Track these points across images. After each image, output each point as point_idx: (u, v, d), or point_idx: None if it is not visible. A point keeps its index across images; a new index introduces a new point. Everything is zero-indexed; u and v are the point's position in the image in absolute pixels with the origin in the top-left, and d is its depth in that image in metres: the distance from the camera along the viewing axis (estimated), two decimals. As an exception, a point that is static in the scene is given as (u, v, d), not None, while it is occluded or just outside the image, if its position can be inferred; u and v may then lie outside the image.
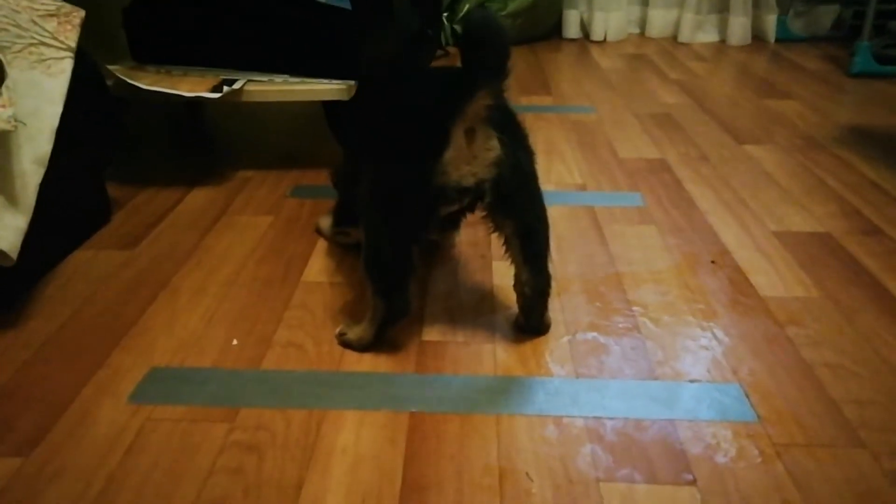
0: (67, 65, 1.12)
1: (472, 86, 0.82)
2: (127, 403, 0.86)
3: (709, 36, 2.90)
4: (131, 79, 1.40)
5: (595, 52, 2.73)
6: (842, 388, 0.89)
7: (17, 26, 1.08)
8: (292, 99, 1.47)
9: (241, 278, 1.14)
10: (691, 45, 2.85)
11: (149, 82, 1.41)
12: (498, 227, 0.94)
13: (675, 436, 0.82)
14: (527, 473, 0.76)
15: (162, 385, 0.90)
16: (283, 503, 0.73)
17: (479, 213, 0.94)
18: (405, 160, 0.89)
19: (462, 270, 1.17)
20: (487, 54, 0.81)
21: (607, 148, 1.70)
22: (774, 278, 1.14)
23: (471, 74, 0.82)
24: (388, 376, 0.92)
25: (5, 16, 1.07)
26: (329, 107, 1.57)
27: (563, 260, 1.19)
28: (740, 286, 1.12)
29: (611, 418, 0.84)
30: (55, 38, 1.12)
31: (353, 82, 1.46)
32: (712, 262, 1.19)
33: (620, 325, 1.02)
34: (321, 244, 1.24)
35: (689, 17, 2.85)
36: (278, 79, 1.48)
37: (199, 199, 1.42)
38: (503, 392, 0.89)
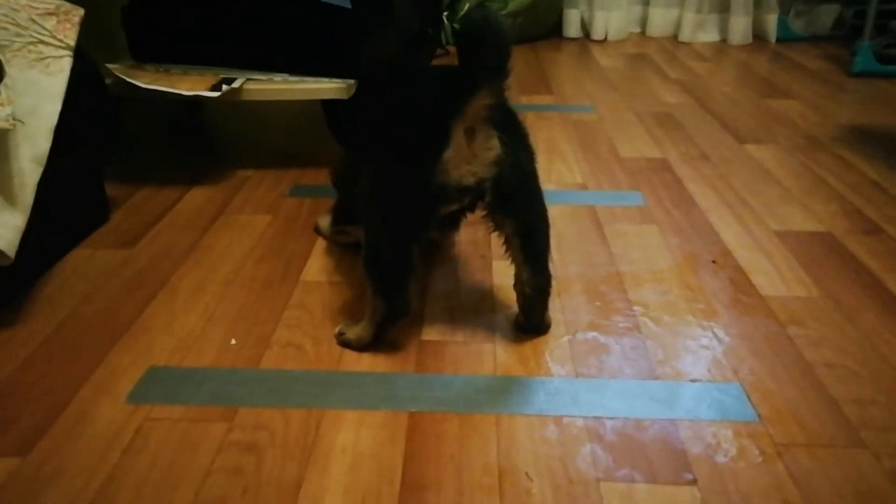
0: (66, 63, 1.12)
1: (472, 85, 0.82)
2: (125, 403, 0.86)
3: (710, 35, 2.89)
4: (130, 77, 1.39)
5: (596, 51, 2.73)
6: (842, 387, 0.89)
7: (16, 24, 1.08)
8: (291, 98, 1.47)
9: (239, 278, 1.13)
10: (692, 44, 2.85)
11: (148, 81, 1.40)
12: (498, 227, 0.93)
13: (675, 435, 0.81)
14: (526, 473, 0.76)
15: (160, 384, 0.89)
16: (282, 503, 0.72)
17: (479, 213, 0.94)
18: (405, 160, 0.88)
19: (462, 270, 1.17)
20: (487, 53, 0.81)
21: (608, 147, 1.69)
22: (775, 278, 1.13)
23: (471, 73, 0.82)
24: (388, 376, 0.91)
25: (4, 14, 1.07)
26: (328, 106, 1.57)
27: (564, 259, 1.19)
28: (741, 286, 1.11)
29: (611, 418, 0.84)
30: (54, 37, 1.12)
31: (352, 81, 1.45)
32: (713, 261, 1.18)
33: (621, 325, 1.02)
34: (320, 243, 1.24)
35: (689, 17, 2.84)
36: (277, 78, 1.47)
37: (197, 198, 1.42)
38: (503, 392, 0.89)
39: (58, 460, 0.78)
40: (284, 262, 1.18)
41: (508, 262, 0.96)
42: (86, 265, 1.17)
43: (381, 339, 0.96)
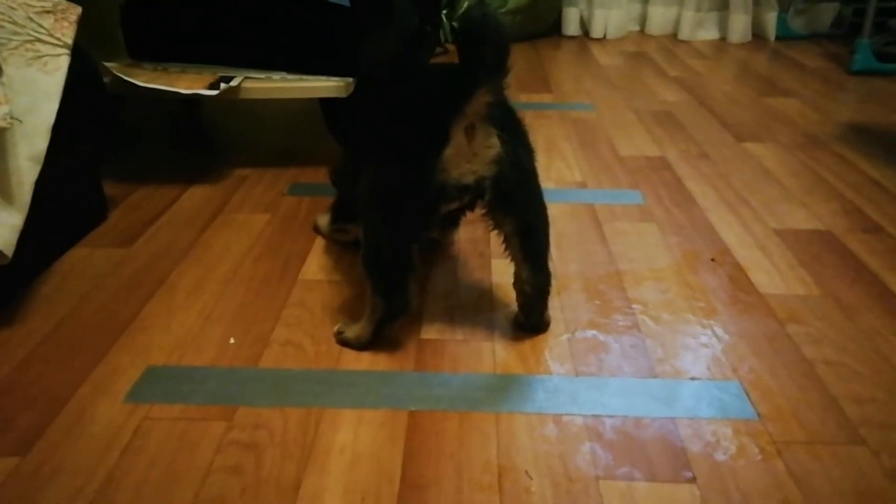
0: (64, 62, 1.12)
1: (471, 83, 0.82)
2: (124, 402, 0.86)
3: (709, 33, 2.89)
4: (128, 76, 1.39)
5: (595, 49, 2.72)
6: (842, 385, 0.89)
7: (13, 23, 1.07)
8: (290, 96, 1.47)
9: (238, 276, 1.13)
10: (691, 42, 2.84)
11: (146, 79, 1.40)
12: (498, 225, 0.93)
13: (674, 434, 0.81)
14: (526, 472, 0.76)
15: (159, 384, 0.89)
16: (282, 502, 0.72)
17: (478, 211, 0.94)
18: (405, 159, 0.88)
19: (461, 268, 1.17)
20: (487, 51, 0.80)
21: (607, 145, 1.69)
22: (775, 276, 1.13)
23: (470, 72, 0.82)
24: (387, 375, 0.91)
25: (1, 12, 1.06)
26: (327, 104, 1.57)
27: (563, 258, 1.19)
28: (741, 284, 1.11)
29: (610, 416, 0.84)
30: (51, 35, 1.11)
31: (350, 79, 1.45)
32: (712, 259, 1.18)
33: (620, 323, 1.02)
34: (319, 242, 1.24)
35: (689, 15, 2.84)
36: (276, 76, 1.47)
37: (196, 196, 1.42)
38: (502, 390, 0.88)
39: (57, 460, 0.77)
40: (283, 261, 1.18)
41: (508, 260, 0.95)
42: (84, 264, 1.16)
43: (381, 338, 0.95)
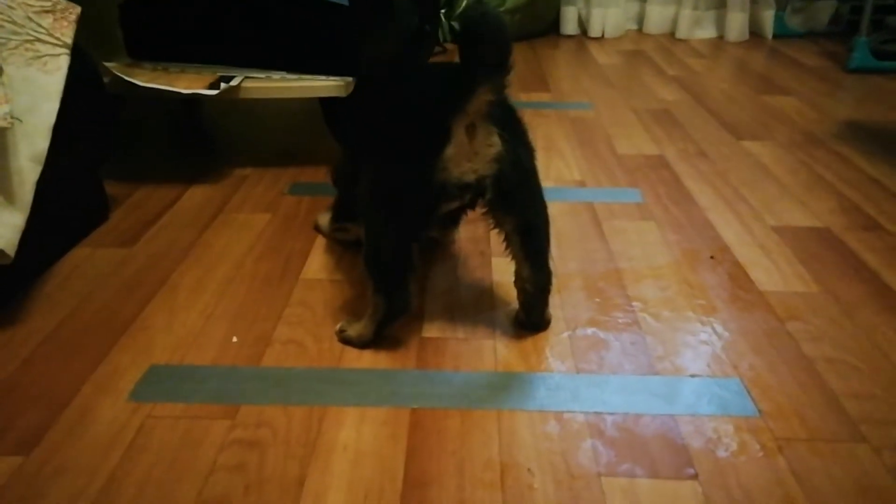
0: (63, 61, 1.12)
1: (472, 82, 0.82)
2: (127, 401, 0.86)
3: (706, 32, 2.90)
4: (128, 76, 1.39)
5: (593, 48, 2.73)
6: (842, 382, 0.89)
7: (13, 22, 1.07)
8: (290, 96, 1.47)
9: (239, 276, 1.13)
10: (689, 41, 2.85)
11: (146, 79, 1.40)
12: (499, 224, 0.93)
13: (676, 431, 0.82)
14: (528, 469, 0.76)
15: (162, 383, 0.89)
16: (285, 500, 0.72)
17: (479, 210, 0.94)
18: (406, 158, 0.88)
19: (462, 267, 1.17)
20: (488, 50, 0.80)
21: (606, 144, 1.70)
22: (774, 274, 1.14)
23: (471, 71, 0.82)
24: (389, 373, 0.91)
25: (0, 12, 1.06)
26: (327, 104, 1.57)
27: (563, 256, 1.19)
28: (740, 281, 1.12)
29: (611, 413, 0.84)
30: (51, 35, 1.11)
31: (350, 79, 1.45)
32: (711, 257, 1.19)
33: (620, 321, 1.02)
34: (320, 241, 1.24)
35: (686, 14, 2.85)
36: (276, 75, 1.47)
37: (196, 196, 1.42)
38: (504, 388, 0.89)
39: (60, 459, 0.78)
40: (284, 260, 1.18)
41: (508, 258, 0.96)
42: (85, 264, 1.17)
43: (382, 337, 0.96)
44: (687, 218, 1.32)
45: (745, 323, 1.01)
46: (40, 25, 1.10)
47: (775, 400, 0.86)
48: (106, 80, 1.35)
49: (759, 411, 0.84)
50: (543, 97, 2.08)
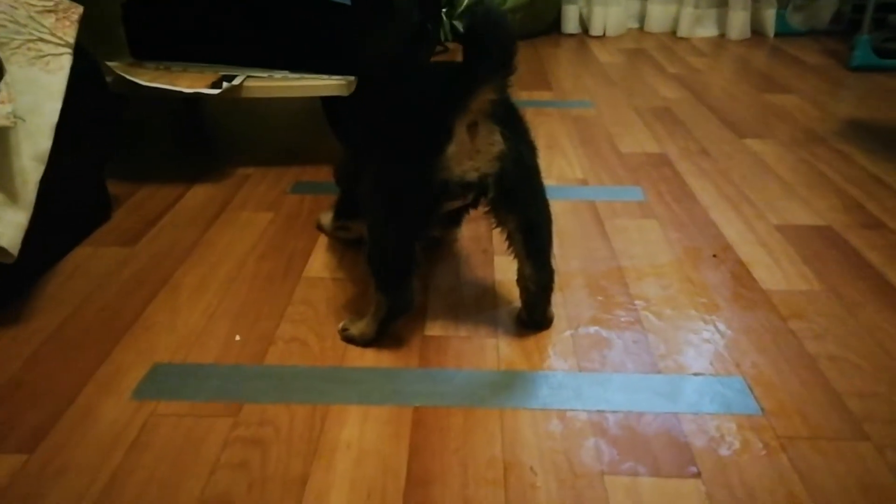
0: (66, 61, 1.12)
1: (475, 80, 0.82)
2: (130, 400, 0.86)
3: (708, 30, 2.90)
4: (130, 75, 1.39)
5: (594, 46, 2.73)
6: (845, 381, 0.89)
7: (15, 22, 1.08)
8: (292, 95, 1.47)
9: (242, 274, 1.13)
10: (690, 39, 2.85)
11: (148, 79, 1.40)
12: (501, 223, 0.93)
13: (678, 429, 0.82)
14: (531, 467, 0.76)
15: (165, 381, 0.89)
16: (288, 498, 0.73)
17: (481, 209, 0.94)
18: (408, 157, 0.88)
19: (464, 265, 1.17)
20: (491, 48, 0.80)
21: (608, 142, 1.69)
22: (776, 272, 1.14)
23: (474, 69, 0.82)
24: (392, 371, 0.91)
25: (3, 12, 1.06)
26: (329, 103, 1.57)
27: (565, 254, 1.19)
28: (742, 280, 1.12)
29: (614, 412, 0.84)
30: (53, 35, 1.12)
31: (352, 78, 1.45)
32: (714, 255, 1.19)
33: (623, 319, 1.02)
34: (322, 240, 1.24)
35: (688, 12, 2.84)
36: (278, 75, 1.47)
37: (199, 195, 1.42)
38: (506, 386, 0.89)
39: (63, 457, 0.78)
40: (287, 259, 1.18)
41: (510, 257, 0.96)
42: (88, 263, 1.17)
43: (385, 335, 0.96)
44: (689, 216, 1.32)
45: (747, 321, 1.01)
46: (43, 25, 1.11)
47: (778, 398, 0.86)
48: (108, 79, 1.35)
49: (762, 409, 0.84)
50: (545, 96, 2.08)
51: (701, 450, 0.79)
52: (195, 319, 1.02)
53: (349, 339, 0.96)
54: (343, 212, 1.19)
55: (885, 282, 1.11)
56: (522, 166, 0.89)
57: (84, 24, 1.16)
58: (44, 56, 1.10)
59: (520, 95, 2.07)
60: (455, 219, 1.13)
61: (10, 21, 1.07)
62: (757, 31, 2.87)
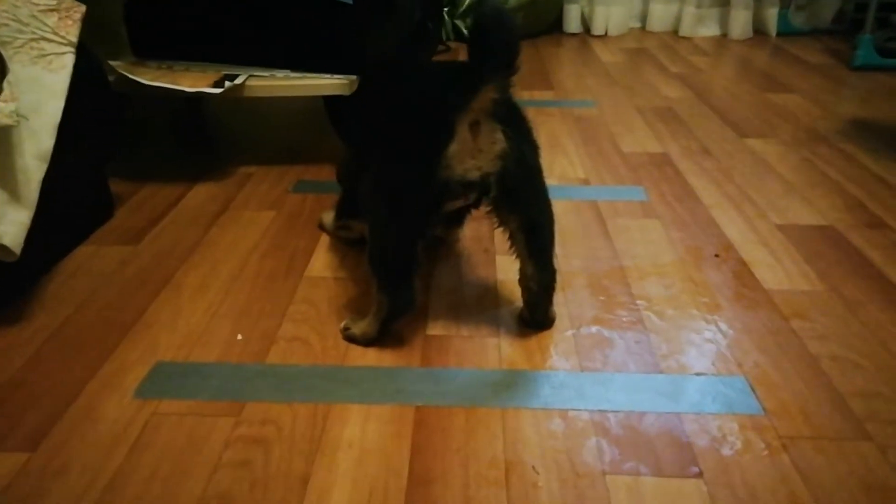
0: (69, 60, 1.12)
1: (477, 79, 0.82)
2: (132, 398, 0.86)
3: (710, 30, 2.89)
4: (133, 74, 1.39)
5: (596, 46, 2.72)
6: (848, 380, 0.89)
7: (18, 21, 1.08)
8: (294, 94, 1.47)
9: (244, 273, 1.13)
10: (692, 39, 2.84)
11: (150, 78, 1.40)
12: (503, 222, 0.93)
13: (680, 429, 0.82)
14: (533, 466, 0.76)
15: (167, 380, 0.89)
16: (290, 497, 0.73)
17: (483, 208, 0.94)
18: (409, 156, 0.88)
19: (466, 265, 1.17)
20: (495, 47, 0.80)
21: (609, 142, 1.69)
22: (779, 271, 1.14)
23: (477, 67, 0.82)
24: (393, 370, 0.91)
25: (6, 11, 1.07)
26: (331, 102, 1.57)
27: (567, 254, 1.19)
28: (744, 279, 1.12)
29: (616, 411, 0.84)
30: (56, 34, 1.12)
31: (354, 77, 1.45)
32: (716, 255, 1.19)
33: (625, 319, 1.02)
34: (324, 239, 1.24)
35: (690, 11, 2.84)
36: (280, 74, 1.47)
37: (201, 194, 1.42)
38: (508, 386, 0.89)
39: (65, 455, 0.78)
40: (289, 258, 1.18)
41: (512, 256, 0.96)
42: (91, 262, 1.17)
43: (387, 334, 0.96)
44: (691, 216, 1.32)
45: (749, 321, 1.01)
46: (45, 24, 1.11)
47: (780, 398, 0.86)
48: (111, 78, 1.36)
49: (764, 409, 0.84)
50: (547, 95, 2.08)
51: (703, 450, 0.79)
52: (197, 318, 1.02)
53: (351, 339, 0.97)
54: (345, 211, 1.19)
55: (888, 281, 1.11)
56: (524, 165, 0.89)
57: (87, 23, 1.16)
58: (46, 55, 1.10)
59: (521, 95, 2.06)
60: (457, 218, 1.13)
61: (13, 20, 1.07)
62: (759, 30, 2.86)
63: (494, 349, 0.96)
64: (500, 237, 0.97)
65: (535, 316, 0.99)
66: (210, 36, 1.53)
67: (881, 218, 1.31)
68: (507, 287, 1.09)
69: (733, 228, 1.27)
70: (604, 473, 0.76)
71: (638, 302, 1.06)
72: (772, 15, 2.82)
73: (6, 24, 1.06)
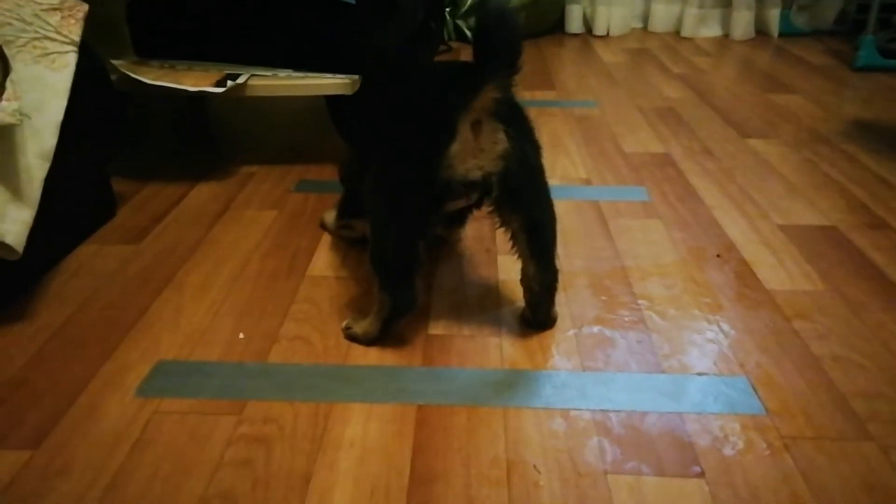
0: (71, 59, 1.12)
1: (479, 79, 0.82)
2: (134, 397, 0.86)
3: (712, 30, 2.89)
4: (135, 73, 1.40)
5: (598, 46, 2.72)
6: (849, 381, 0.89)
7: (21, 20, 1.08)
8: (296, 94, 1.47)
9: (246, 272, 1.13)
10: (694, 39, 2.84)
11: (153, 77, 1.40)
12: (505, 222, 0.93)
13: (682, 428, 0.82)
14: (534, 466, 0.76)
15: (169, 378, 0.90)
16: (292, 495, 0.73)
17: (485, 208, 0.94)
18: (411, 156, 0.88)
19: (468, 265, 1.17)
20: (498, 46, 0.80)
21: (611, 142, 1.69)
22: (780, 272, 1.14)
23: (479, 67, 0.82)
24: (395, 370, 0.92)
25: (9, 10, 1.07)
26: (333, 101, 1.57)
27: (569, 254, 1.19)
28: (746, 280, 1.12)
29: (618, 411, 0.84)
30: (59, 33, 1.12)
31: (356, 77, 1.45)
32: (718, 255, 1.19)
33: (626, 319, 1.02)
34: (326, 238, 1.24)
35: (692, 12, 2.84)
36: (282, 73, 1.48)
37: (203, 193, 1.42)
38: (510, 385, 0.89)
39: (67, 454, 0.78)
40: (291, 257, 1.18)
41: (514, 256, 0.96)
42: (93, 261, 1.17)
43: (388, 334, 0.96)
44: (693, 216, 1.32)
45: (751, 321, 1.01)
46: (48, 23, 1.11)
47: (782, 398, 0.86)
48: (113, 77, 1.36)
49: (766, 409, 0.84)
50: (548, 95, 2.08)
51: (704, 449, 0.79)
52: (199, 317, 1.02)
53: (352, 338, 0.97)
54: (347, 210, 1.20)
55: (890, 282, 1.11)
56: (526, 165, 0.89)
57: (89, 23, 1.16)
58: (49, 54, 1.10)
59: (523, 95, 2.06)
60: (459, 218, 1.13)
61: (17, 19, 1.07)
62: (761, 31, 2.86)
63: (496, 349, 0.96)
64: (502, 237, 0.97)
65: (537, 316, 0.99)
66: (212, 35, 1.53)
67: (883, 218, 1.31)
68: (509, 287, 1.09)
69: (735, 229, 1.27)
70: (605, 473, 0.76)
71: (640, 302, 1.06)
72: (774, 16, 2.82)
73: (9, 23, 1.06)
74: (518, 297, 1.02)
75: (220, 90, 1.39)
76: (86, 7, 1.17)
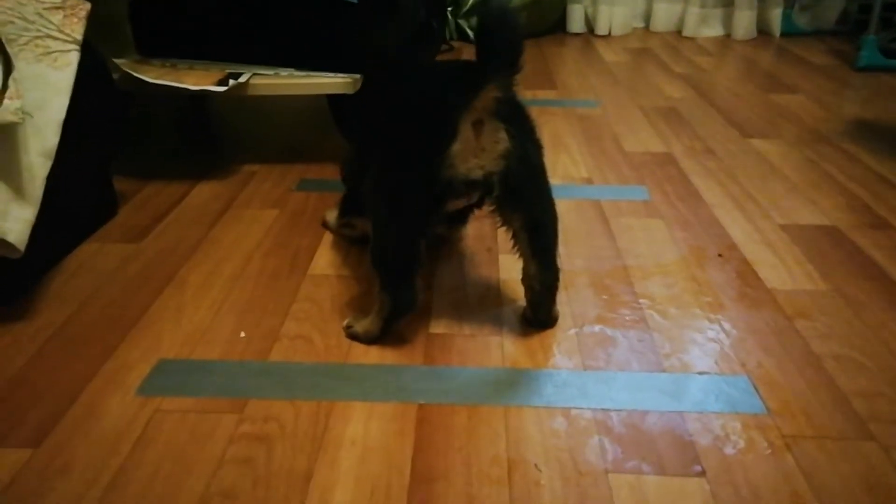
0: (73, 57, 1.12)
1: (480, 78, 0.82)
2: (135, 395, 0.86)
3: (714, 30, 2.89)
4: (137, 72, 1.40)
5: (599, 46, 2.72)
6: (851, 380, 0.89)
7: (23, 19, 1.08)
8: (298, 93, 1.47)
9: (247, 271, 1.14)
10: (696, 39, 2.84)
11: (154, 76, 1.40)
12: (506, 222, 0.93)
13: (683, 428, 0.82)
14: (535, 465, 0.76)
15: (170, 377, 0.90)
16: (292, 494, 0.73)
17: (486, 207, 0.94)
18: (412, 155, 0.88)
19: (469, 264, 1.17)
20: (499, 46, 0.80)
21: (613, 142, 1.69)
22: (782, 271, 1.13)
23: (481, 66, 0.82)
24: (396, 368, 0.92)
25: (11, 8, 1.07)
26: (334, 100, 1.57)
27: (570, 253, 1.19)
28: (748, 279, 1.11)
29: (619, 410, 0.84)
30: (61, 31, 1.12)
31: (358, 76, 1.45)
32: (719, 255, 1.18)
33: (628, 318, 1.02)
34: (327, 237, 1.24)
35: (693, 11, 2.84)
36: (284, 72, 1.48)
37: (204, 192, 1.42)
38: (511, 384, 0.89)
39: (68, 453, 0.78)
40: (292, 256, 1.18)
41: (515, 255, 0.96)
42: (94, 259, 1.17)
43: (389, 333, 0.96)
44: (694, 215, 1.32)
45: (752, 320, 1.01)
46: (50, 22, 1.11)
47: (783, 397, 0.86)
48: (115, 76, 1.36)
49: (767, 409, 0.84)
50: (550, 95, 2.08)
51: (706, 448, 0.79)
52: (200, 316, 1.02)
53: (353, 337, 0.97)
54: (348, 209, 1.20)
55: (891, 282, 1.10)
56: (528, 165, 0.89)
57: (91, 21, 1.16)
58: (51, 52, 1.10)
59: (525, 94, 2.06)
60: (460, 217, 1.13)
61: (19, 17, 1.07)
62: (763, 30, 2.86)
63: (497, 348, 0.96)
64: (503, 236, 0.97)
65: (538, 315, 0.99)
66: (214, 34, 1.53)
67: (885, 218, 1.31)
68: (510, 286, 1.09)
69: (736, 228, 1.27)
70: (606, 472, 0.76)
71: (641, 301, 1.06)
72: (776, 15, 2.82)
73: (11, 22, 1.06)
74: (519, 296, 1.02)
75: (222, 89, 1.39)
76: (88, 6, 1.17)
